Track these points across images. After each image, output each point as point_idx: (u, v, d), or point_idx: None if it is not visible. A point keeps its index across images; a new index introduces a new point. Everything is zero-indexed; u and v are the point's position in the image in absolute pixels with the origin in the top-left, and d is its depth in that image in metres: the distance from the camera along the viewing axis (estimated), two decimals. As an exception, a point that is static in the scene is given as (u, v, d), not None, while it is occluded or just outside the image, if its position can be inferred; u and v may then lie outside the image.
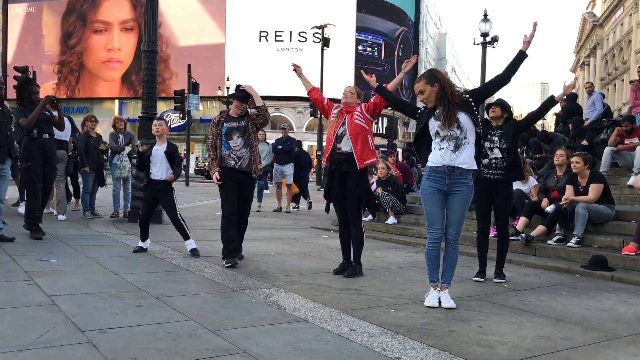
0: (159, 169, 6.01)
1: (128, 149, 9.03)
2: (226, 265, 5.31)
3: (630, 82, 10.27)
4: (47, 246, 6.05)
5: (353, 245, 5.30)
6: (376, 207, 8.53)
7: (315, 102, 5.40)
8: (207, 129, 35.93)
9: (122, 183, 9.13)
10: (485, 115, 5.64)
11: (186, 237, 6.00)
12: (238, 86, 5.77)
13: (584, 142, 9.40)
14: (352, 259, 5.28)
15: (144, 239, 6.06)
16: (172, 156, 6.05)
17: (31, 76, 17.30)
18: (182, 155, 31.73)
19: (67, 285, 4.27)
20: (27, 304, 3.69)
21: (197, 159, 40.36)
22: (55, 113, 7.01)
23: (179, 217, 6.00)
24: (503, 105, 5.35)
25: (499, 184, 5.16)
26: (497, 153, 5.16)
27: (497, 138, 5.18)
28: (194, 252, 5.89)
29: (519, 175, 5.47)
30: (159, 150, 6.06)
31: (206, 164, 6.51)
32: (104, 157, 9.11)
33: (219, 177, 5.54)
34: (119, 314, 3.57)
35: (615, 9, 52.10)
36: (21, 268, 4.82)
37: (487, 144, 5.19)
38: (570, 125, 10.15)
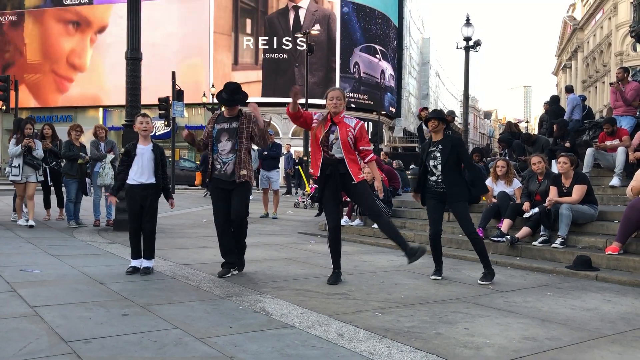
0: (144, 172, 5.22)
1: (110, 156, 8.93)
2: (218, 275, 5.20)
3: (611, 84, 10.44)
4: (31, 256, 5.97)
5: (391, 234, 5.11)
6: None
7: (294, 119, 5.16)
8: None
9: (105, 191, 9.03)
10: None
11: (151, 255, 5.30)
12: (226, 85, 5.39)
13: (567, 144, 9.51)
14: (407, 247, 5.03)
15: (135, 256, 5.27)
16: (160, 157, 5.33)
17: (12, 84, 17.19)
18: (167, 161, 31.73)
19: (51, 296, 4.21)
20: (10, 316, 3.64)
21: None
22: None
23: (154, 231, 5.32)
24: (440, 117, 5.32)
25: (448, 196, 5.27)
26: (440, 169, 5.24)
27: (439, 154, 5.24)
28: (145, 270, 5.19)
29: (462, 195, 5.26)
30: (145, 149, 5.27)
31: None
32: (87, 166, 9.01)
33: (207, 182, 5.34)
34: (104, 323, 3.53)
35: (594, 13, 52.93)
36: (3, 279, 4.74)
37: (432, 162, 5.27)
38: (554, 126, 10.29)
